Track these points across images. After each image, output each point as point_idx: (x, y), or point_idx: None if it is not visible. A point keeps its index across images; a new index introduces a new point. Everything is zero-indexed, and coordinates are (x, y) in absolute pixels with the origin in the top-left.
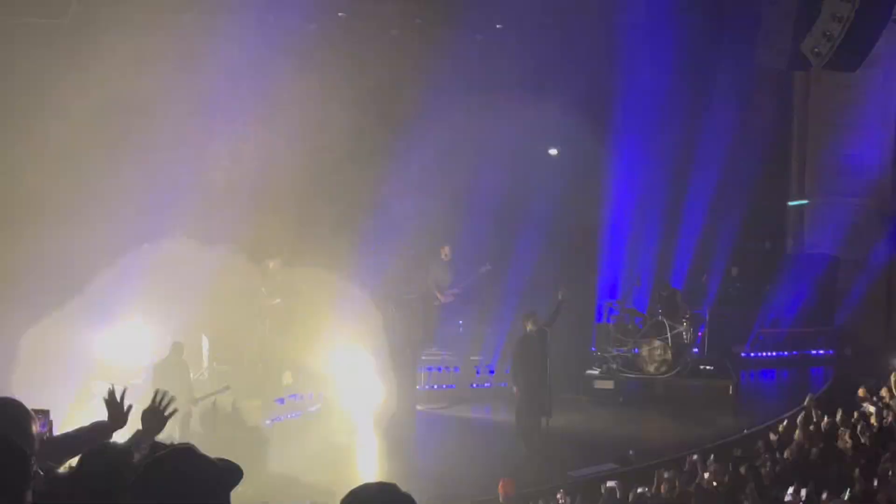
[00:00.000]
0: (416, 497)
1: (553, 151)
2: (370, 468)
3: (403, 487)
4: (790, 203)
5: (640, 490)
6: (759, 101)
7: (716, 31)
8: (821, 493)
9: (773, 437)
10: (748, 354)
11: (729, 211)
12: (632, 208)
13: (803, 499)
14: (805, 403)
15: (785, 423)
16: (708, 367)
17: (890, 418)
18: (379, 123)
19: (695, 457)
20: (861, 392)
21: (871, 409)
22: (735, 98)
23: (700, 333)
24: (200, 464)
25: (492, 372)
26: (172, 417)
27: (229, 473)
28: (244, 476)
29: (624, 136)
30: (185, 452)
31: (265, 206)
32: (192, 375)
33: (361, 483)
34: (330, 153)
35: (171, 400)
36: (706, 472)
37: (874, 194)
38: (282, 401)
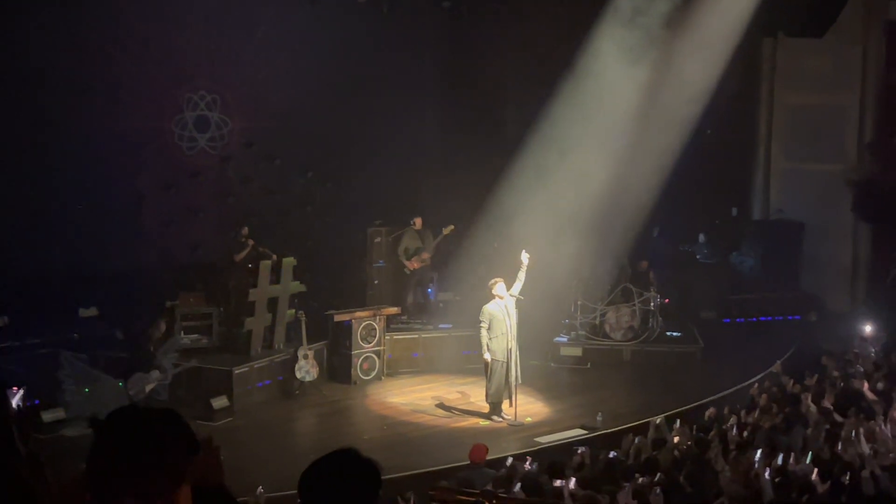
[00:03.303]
0: (383, 464)
1: None
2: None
3: (373, 455)
4: None
5: (611, 454)
6: (725, 69)
7: None
8: (786, 457)
9: (738, 401)
10: (715, 320)
11: (696, 177)
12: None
13: (768, 462)
14: (773, 368)
15: (751, 387)
16: (675, 334)
17: (854, 383)
18: (346, 89)
19: (658, 421)
20: (825, 360)
21: (836, 373)
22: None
23: (666, 301)
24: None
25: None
26: None
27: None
28: None
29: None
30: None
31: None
32: None
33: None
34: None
35: None
36: (673, 437)
37: (840, 160)
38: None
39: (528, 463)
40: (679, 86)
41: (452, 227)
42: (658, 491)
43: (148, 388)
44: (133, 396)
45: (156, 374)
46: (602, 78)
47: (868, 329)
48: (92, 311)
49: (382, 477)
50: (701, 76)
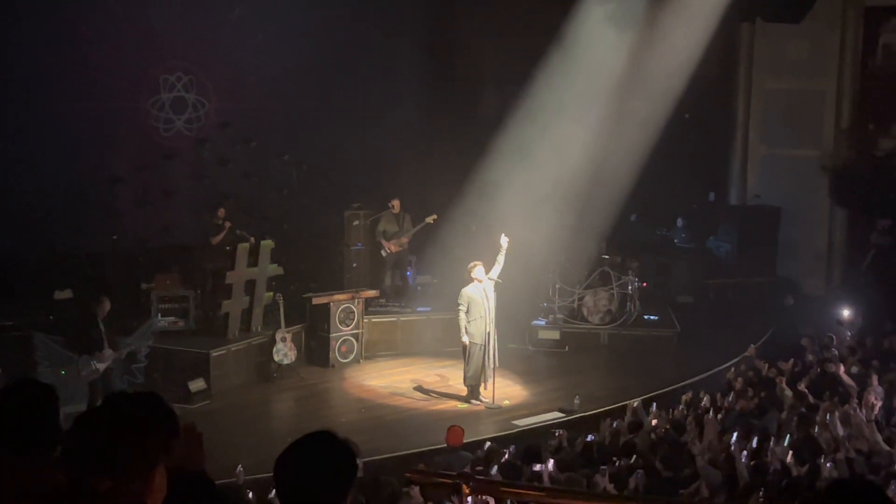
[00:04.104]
0: (360, 447)
1: None
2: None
3: (350, 438)
4: None
5: (589, 438)
6: (704, 53)
7: None
8: (763, 440)
9: (714, 385)
10: (691, 304)
11: (673, 162)
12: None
13: (744, 445)
14: (747, 352)
15: (727, 371)
16: (652, 317)
17: (830, 367)
18: (323, 70)
19: (635, 404)
20: (804, 342)
21: (812, 357)
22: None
23: (644, 284)
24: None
25: None
26: None
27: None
28: None
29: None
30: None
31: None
32: None
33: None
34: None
35: None
36: (649, 420)
37: (817, 146)
38: None
39: (508, 454)
40: (661, 57)
41: (435, 216)
42: (640, 473)
43: (101, 366)
44: (85, 377)
45: (108, 352)
46: (586, 46)
47: (845, 313)
48: (66, 294)
49: (359, 460)
50: (683, 48)
